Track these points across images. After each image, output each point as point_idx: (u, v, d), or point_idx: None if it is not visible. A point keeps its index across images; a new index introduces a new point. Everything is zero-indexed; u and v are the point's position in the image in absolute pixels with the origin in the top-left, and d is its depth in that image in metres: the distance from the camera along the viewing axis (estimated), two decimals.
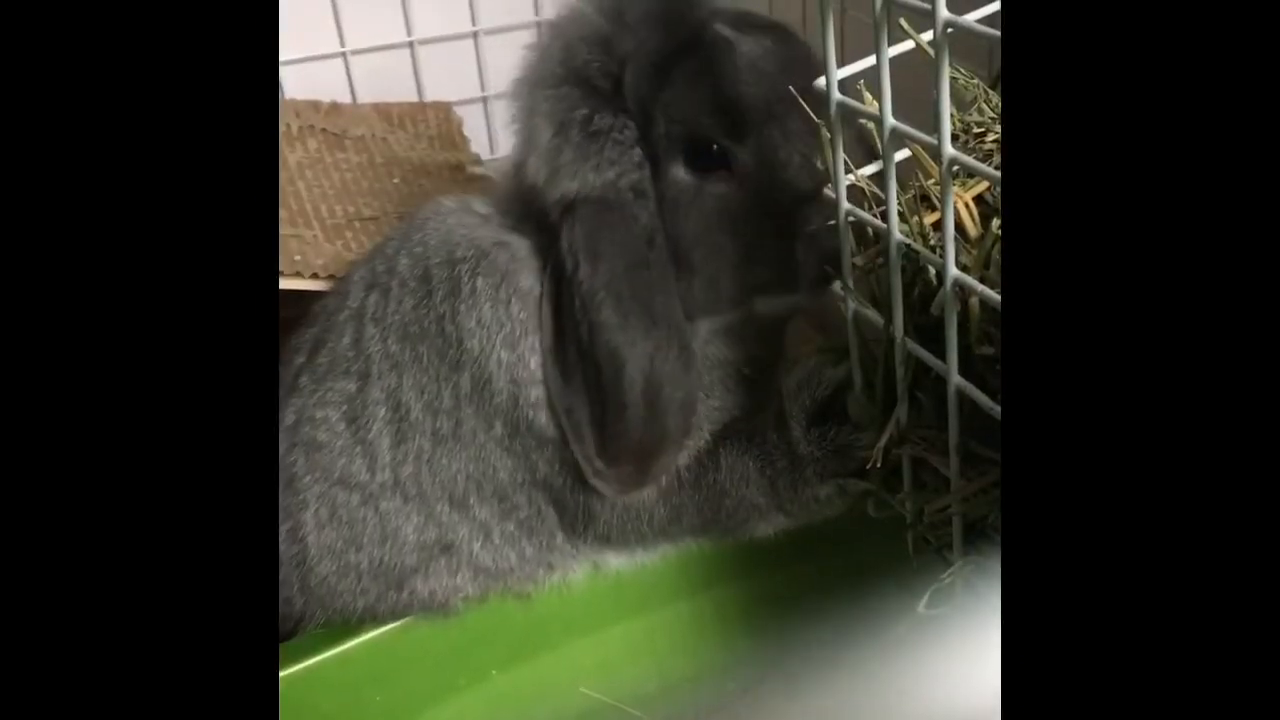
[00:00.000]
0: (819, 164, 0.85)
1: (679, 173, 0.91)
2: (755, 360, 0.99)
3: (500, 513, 1.00)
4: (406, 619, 1.03)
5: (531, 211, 0.94)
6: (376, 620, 1.03)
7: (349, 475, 1.00)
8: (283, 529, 1.03)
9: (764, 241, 0.90)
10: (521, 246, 0.95)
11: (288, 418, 1.03)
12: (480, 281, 0.94)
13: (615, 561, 1.05)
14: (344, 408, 1.00)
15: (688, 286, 0.93)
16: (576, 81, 0.90)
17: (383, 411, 0.99)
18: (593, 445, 0.92)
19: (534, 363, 0.93)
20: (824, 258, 0.85)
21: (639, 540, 1.01)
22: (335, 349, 1.02)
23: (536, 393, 0.94)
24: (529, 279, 0.94)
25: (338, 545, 1.01)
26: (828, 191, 0.78)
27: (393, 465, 0.99)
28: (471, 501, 0.99)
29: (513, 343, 0.94)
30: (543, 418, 0.94)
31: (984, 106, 0.83)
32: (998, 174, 0.64)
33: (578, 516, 0.99)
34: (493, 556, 1.01)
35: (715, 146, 0.89)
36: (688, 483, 0.97)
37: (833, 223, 0.79)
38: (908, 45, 0.73)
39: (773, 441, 0.96)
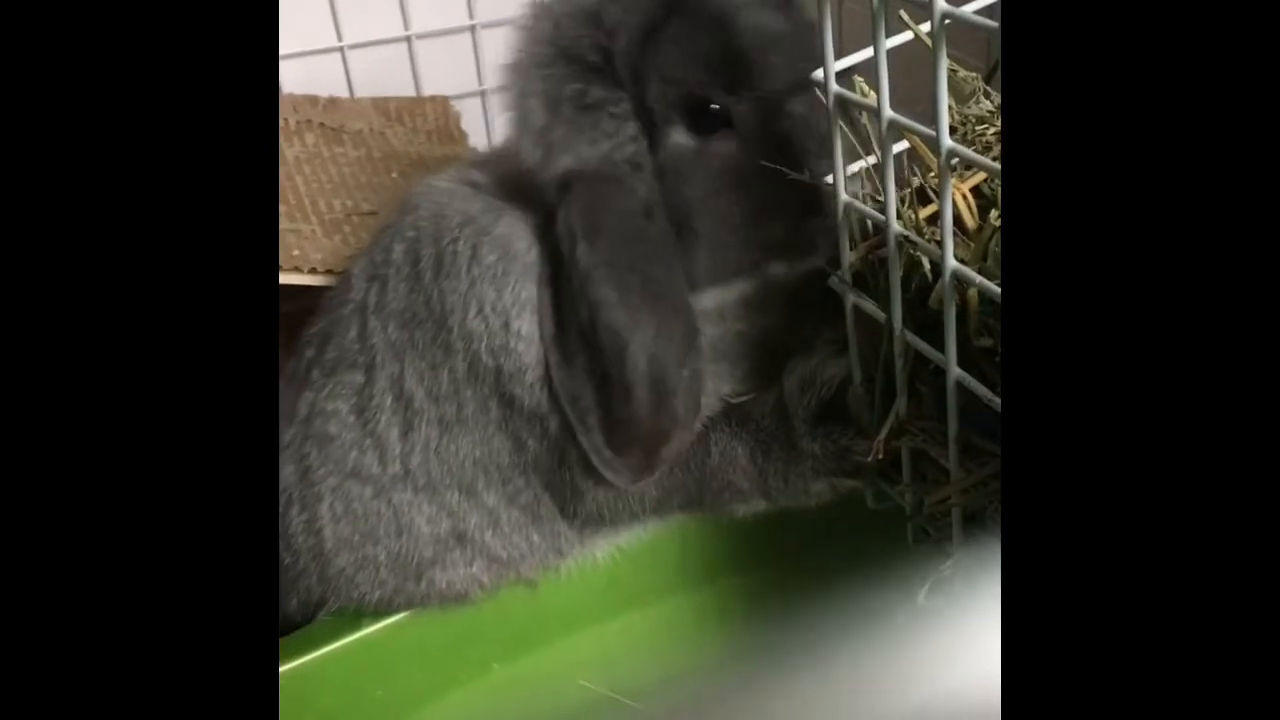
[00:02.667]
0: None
1: (680, 138, 0.89)
2: (766, 342, 0.96)
3: (506, 498, 0.99)
4: (406, 614, 1.03)
5: (528, 194, 0.93)
6: (392, 611, 1.03)
7: (361, 468, 1.00)
8: (299, 520, 1.03)
9: (772, 200, 0.88)
10: (510, 217, 0.93)
11: (300, 410, 1.03)
12: (460, 246, 0.93)
13: (610, 543, 1.05)
14: (353, 400, 1.00)
15: (692, 255, 0.90)
16: (567, 58, 0.89)
17: (389, 401, 0.98)
18: (600, 434, 0.90)
19: (512, 337, 0.91)
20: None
21: (631, 518, 1.01)
22: (342, 343, 1.02)
23: (514, 363, 0.92)
24: (513, 245, 0.92)
25: (354, 539, 1.01)
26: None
27: (402, 456, 0.99)
28: (480, 488, 0.99)
29: (488, 313, 0.92)
30: (521, 391, 0.93)
31: (981, 99, 0.83)
32: (997, 165, 0.64)
33: (567, 496, 0.98)
34: (504, 544, 1.01)
35: (715, 106, 0.88)
36: (679, 465, 0.97)
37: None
38: (906, 37, 0.73)
39: (769, 430, 0.95)
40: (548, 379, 0.92)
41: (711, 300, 0.93)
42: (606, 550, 1.06)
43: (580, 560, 1.05)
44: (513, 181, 0.96)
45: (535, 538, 1.02)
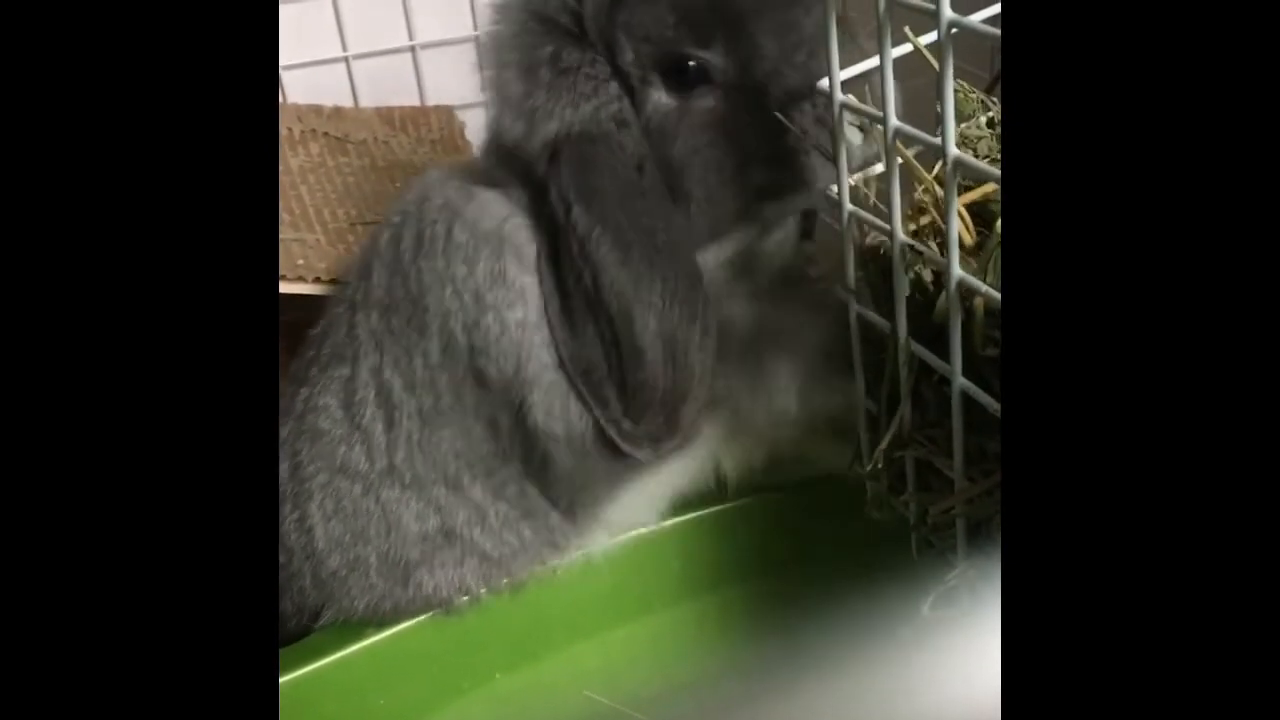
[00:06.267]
0: (803, 53, 0.83)
1: (660, 98, 0.87)
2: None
3: (492, 491, 0.98)
4: (409, 622, 1.03)
5: (517, 170, 0.91)
6: (381, 619, 1.02)
7: (349, 464, 0.99)
8: (291, 518, 1.02)
9: (758, 145, 0.86)
10: (482, 197, 0.93)
11: (295, 406, 1.03)
12: (438, 228, 0.92)
13: (608, 534, 1.04)
14: (340, 394, 1.00)
15: (687, 215, 0.89)
16: (538, 22, 0.87)
17: (372, 395, 0.97)
18: (617, 405, 0.89)
19: (483, 311, 0.90)
20: (820, 149, 0.84)
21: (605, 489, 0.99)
22: (335, 339, 1.01)
23: (483, 338, 0.91)
24: (481, 224, 0.91)
25: (345, 538, 1.00)
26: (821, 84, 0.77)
27: (388, 451, 0.98)
28: (465, 482, 0.97)
29: (460, 289, 0.91)
30: (491, 366, 0.91)
31: (981, 120, 0.83)
32: (998, 172, 0.64)
33: (547, 477, 0.96)
34: (494, 542, 1.00)
35: (691, 63, 0.86)
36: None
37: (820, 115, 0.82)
38: (909, 47, 0.73)
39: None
40: (520, 356, 0.90)
41: (712, 259, 0.92)
42: (605, 546, 1.05)
43: (578, 557, 1.04)
44: (500, 163, 0.94)
45: (527, 533, 1.00)
